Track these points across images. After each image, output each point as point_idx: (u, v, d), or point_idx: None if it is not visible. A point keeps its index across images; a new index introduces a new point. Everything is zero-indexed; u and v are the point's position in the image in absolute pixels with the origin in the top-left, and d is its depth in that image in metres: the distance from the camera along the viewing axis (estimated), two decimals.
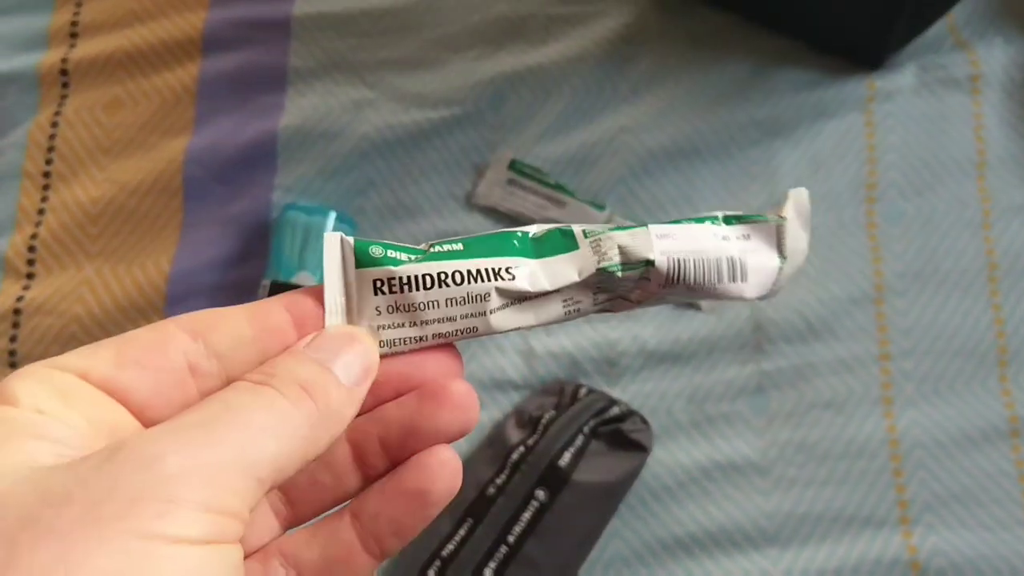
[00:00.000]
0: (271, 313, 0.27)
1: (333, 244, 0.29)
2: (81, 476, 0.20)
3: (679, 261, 0.32)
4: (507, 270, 0.30)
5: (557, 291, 0.31)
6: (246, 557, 0.27)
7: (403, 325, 0.30)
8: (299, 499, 0.29)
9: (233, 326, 0.26)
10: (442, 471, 0.28)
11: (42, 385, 0.23)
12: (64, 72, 0.83)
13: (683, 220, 0.33)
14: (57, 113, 0.82)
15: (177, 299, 0.77)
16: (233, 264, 0.78)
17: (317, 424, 0.24)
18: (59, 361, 0.24)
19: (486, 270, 0.30)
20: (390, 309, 0.30)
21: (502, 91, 0.82)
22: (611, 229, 0.32)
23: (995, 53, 0.82)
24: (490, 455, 0.71)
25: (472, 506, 0.68)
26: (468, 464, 0.73)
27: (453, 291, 0.30)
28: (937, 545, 0.70)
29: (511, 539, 0.66)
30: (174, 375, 0.25)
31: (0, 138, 0.82)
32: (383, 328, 0.30)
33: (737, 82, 0.82)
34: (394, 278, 0.29)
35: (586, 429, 0.69)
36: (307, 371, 0.25)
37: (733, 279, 0.34)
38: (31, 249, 0.79)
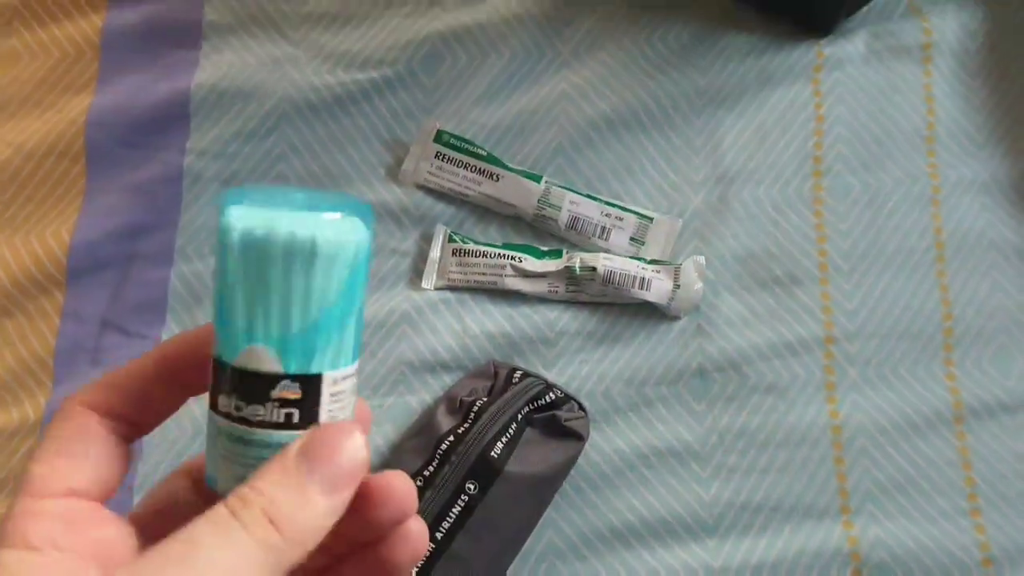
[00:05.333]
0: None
1: (440, 234, 0.72)
2: None
3: (610, 270, 0.70)
4: (520, 259, 0.70)
5: (545, 275, 0.71)
6: None
7: (461, 272, 0.69)
8: None
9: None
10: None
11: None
12: None
13: (625, 257, 0.71)
14: None
15: (79, 272, 0.71)
16: (140, 235, 0.72)
17: (282, 550, 0.25)
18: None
19: (509, 255, 0.70)
20: (458, 264, 0.69)
21: (436, 51, 0.77)
22: (583, 251, 0.71)
23: (948, 20, 0.79)
24: (419, 444, 0.67)
25: None
26: (395, 453, 0.69)
27: (488, 260, 0.70)
28: (878, 536, 0.68)
29: (439, 536, 0.63)
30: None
31: None
32: (452, 272, 0.70)
33: (681, 47, 0.78)
34: (461, 249, 0.70)
35: (520, 416, 0.66)
36: (282, 496, 0.26)
37: (641, 288, 0.71)
38: None
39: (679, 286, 0.71)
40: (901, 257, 0.74)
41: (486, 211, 0.75)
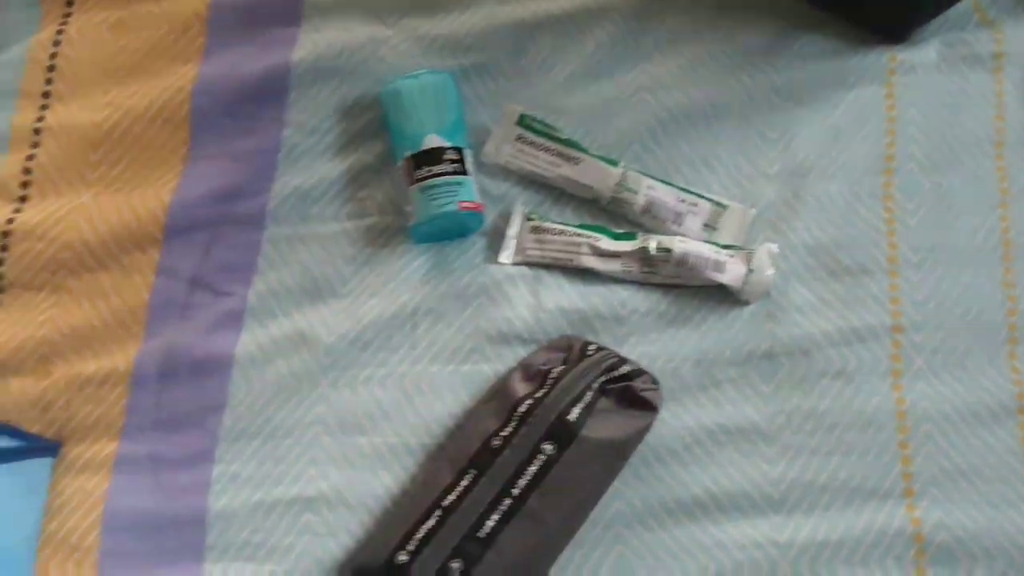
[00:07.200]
0: None
1: (519, 212, 0.75)
2: None
3: (686, 252, 0.73)
4: (596, 238, 0.74)
5: (619, 255, 0.74)
6: None
7: (538, 248, 0.73)
8: None
9: None
10: None
11: None
12: None
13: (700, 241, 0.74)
14: (60, 31, 0.79)
15: (176, 231, 0.75)
16: (235, 199, 0.76)
17: None
18: None
19: (586, 234, 0.73)
20: (535, 240, 0.73)
21: (522, 39, 0.81)
22: (657, 235, 0.75)
23: (1020, 32, 0.82)
24: (495, 407, 0.69)
25: (475, 457, 0.66)
26: (471, 416, 0.71)
27: (565, 238, 0.73)
28: (941, 519, 0.69)
29: (515, 492, 0.65)
30: None
31: None
32: (530, 248, 0.74)
33: (760, 47, 0.81)
34: (539, 226, 0.74)
35: (595, 385, 0.68)
36: None
37: (716, 270, 0.73)
38: (26, 171, 0.76)
39: (752, 271, 0.73)
40: (968, 254, 0.76)
41: (563, 193, 0.78)
